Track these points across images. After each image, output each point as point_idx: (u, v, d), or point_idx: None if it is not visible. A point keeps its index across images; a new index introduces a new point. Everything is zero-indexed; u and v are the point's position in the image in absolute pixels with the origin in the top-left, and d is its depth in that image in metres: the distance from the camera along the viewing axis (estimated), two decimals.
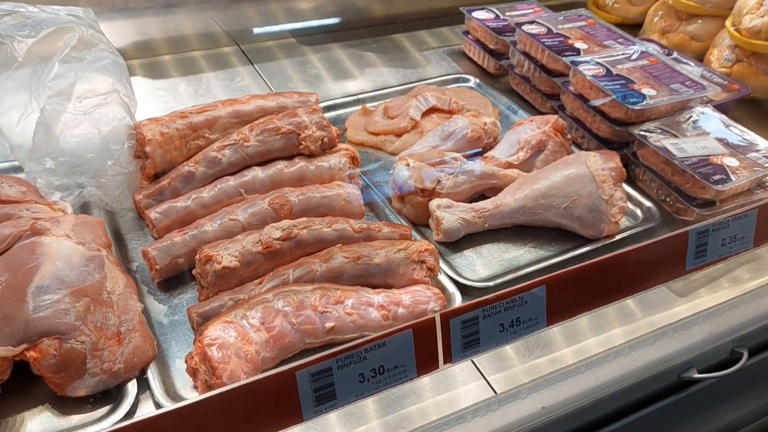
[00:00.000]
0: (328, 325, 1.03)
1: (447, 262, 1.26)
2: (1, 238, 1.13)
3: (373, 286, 1.14)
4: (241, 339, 0.98)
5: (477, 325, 0.71)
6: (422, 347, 0.69)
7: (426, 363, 0.69)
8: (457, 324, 0.70)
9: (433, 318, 0.68)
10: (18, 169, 1.37)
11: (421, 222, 1.36)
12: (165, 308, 1.16)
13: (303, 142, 1.37)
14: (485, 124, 1.51)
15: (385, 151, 1.59)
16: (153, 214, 1.26)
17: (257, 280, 1.13)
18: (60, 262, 1.08)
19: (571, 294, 0.82)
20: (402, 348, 0.68)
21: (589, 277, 0.83)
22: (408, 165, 1.37)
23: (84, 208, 1.32)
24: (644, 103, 1.48)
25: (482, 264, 1.28)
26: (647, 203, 1.43)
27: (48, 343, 0.97)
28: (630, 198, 1.44)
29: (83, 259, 1.10)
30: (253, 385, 0.61)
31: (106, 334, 1.02)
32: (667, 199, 1.45)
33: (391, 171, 1.40)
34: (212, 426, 0.63)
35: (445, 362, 0.70)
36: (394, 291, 1.13)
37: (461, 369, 1.04)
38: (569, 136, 1.54)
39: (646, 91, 1.52)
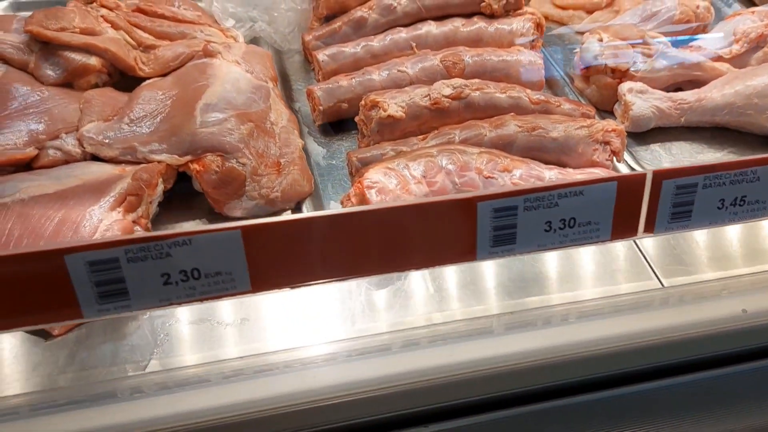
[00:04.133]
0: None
1: (630, 153, 1.12)
2: (174, 55, 1.12)
3: (545, 163, 1.03)
4: (401, 187, 0.92)
5: (694, 194, 0.59)
6: (623, 206, 0.58)
7: (623, 226, 0.59)
8: (670, 187, 0.58)
9: (644, 175, 0.57)
10: None
11: (604, 107, 1.21)
12: (324, 151, 1.12)
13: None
14: (697, 7, 1.30)
15: (571, 27, 1.43)
16: (321, 56, 1.21)
17: (421, 136, 1.05)
18: (228, 85, 1.06)
19: None
20: (600, 202, 0.58)
21: None
22: (601, 40, 1.21)
23: (253, 44, 1.30)
24: None
25: (670, 161, 1.12)
26: None
27: (211, 159, 0.96)
28: None
29: (250, 87, 1.08)
30: (428, 206, 0.54)
31: (267, 161, 1.00)
32: None
33: (580, 45, 1.25)
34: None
35: (645, 230, 0.59)
36: (568, 170, 1.01)
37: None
38: None
39: None
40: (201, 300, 0.53)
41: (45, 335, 0.83)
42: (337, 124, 1.17)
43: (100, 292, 0.51)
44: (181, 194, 0.99)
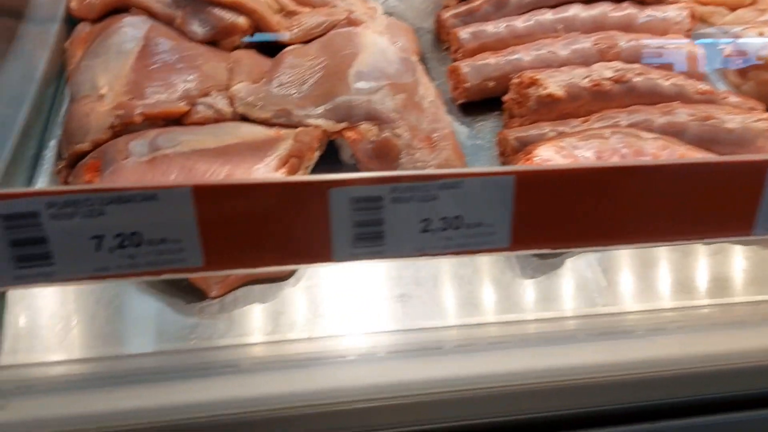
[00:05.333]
0: None
1: None
2: (317, 23, 1.08)
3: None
4: None
5: None
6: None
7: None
8: None
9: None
10: None
11: (763, 103, 1.13)
12: (467, 130, 1.06)
13: None
14: None
15: (712, 24, 1.35)
16: (462, 33, 1.15)
17: (581, 118, 0.99)
18: (378, 54, 1.01)
19: None
20: None
21: None
22: (762, 34, 1.13)
23: None
24: None
25: None
26: None
27: (367, 127, 0.90)
28: None
29: (398, 58, 1.03)
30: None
31: (419, 135, 0.94)
32: None
33: (734, 39, 1.17)
34: None
35: None
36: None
37: None
38: None
39: None
40: (457, 253, 0.47)
41: (195, 297, 0.78)
42: (478, 103, 1.11)
43: (357, 233, 0.45)
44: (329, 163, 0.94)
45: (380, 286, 0.81)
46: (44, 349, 0.72)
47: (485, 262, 0.85)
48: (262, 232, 0.45)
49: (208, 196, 0.43)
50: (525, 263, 0.85)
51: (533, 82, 0.99)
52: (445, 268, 0.84)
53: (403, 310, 0.79)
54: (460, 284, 0.82)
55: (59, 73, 1.02)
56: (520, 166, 0.43)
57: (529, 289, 0.83)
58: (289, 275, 0.81)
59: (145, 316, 0.76)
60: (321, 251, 0.46)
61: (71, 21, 1.07)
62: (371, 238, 0.46)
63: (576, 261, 0.86)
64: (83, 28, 1.04)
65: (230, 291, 0.78)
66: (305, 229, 0.45)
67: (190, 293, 0.78)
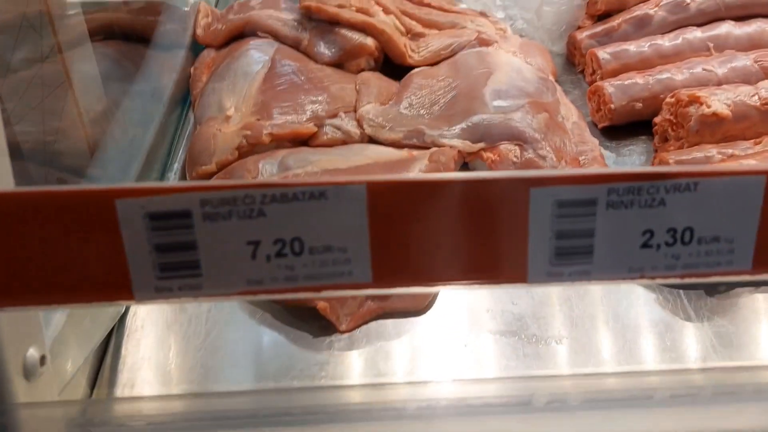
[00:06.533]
0: None
1: None
2: (445, 44, 1.02)
3: None
4: None
5: None
6: None
7: None
8: None
9: None
10: None
11: None
12: (614, 156, 0.96)
13: None
14: None
15: None
16: (602, 54, 1.06)
17: (753, 140, 0.86)
18: (514, 73, 0.93)
19: None
20: None
21: None
22: None
23: None
24: None
25: None
26: None
27: (508, 148, 0.82)
28: None
29: (536, 77, 0.94)
30: None
31: (565, 157, 0.85)
32: None
33: None
34: None
35: None
36: None
37: None
38: None
39: None
40: (683, 276, 0.37)
41: (323, 331, 0.71)
42: (618, 127, 1.01)
43: (558, 247, 0.36)
44: None
45: (528, 325, 0.71)
46: (164, 383, 0.66)
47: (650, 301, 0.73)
48: (440, 240, 0.37)
49: (384, 195, 0.35)
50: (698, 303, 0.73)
51: (694, 100, 0.88)
52: (600, 309, 0.73)
53: (554, 354, 0.68)
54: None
55: (184, 98, 1.01)
56: None
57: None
58: (425, 308, 0.72)
59: (270, 349, 0.69)
60: (512, 269, 0.37)
61: (197, 48, 1.06)
62: (577, 254, 0.37)
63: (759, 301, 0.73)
64: (208, 54, 1.03)
65: (361, 325, 0.71)
66: (493, 240, 0.37)
67: (317, 327, 0.71)
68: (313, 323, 0.71)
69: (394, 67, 1.00)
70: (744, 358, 0.68)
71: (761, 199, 0.36)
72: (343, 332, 0.70)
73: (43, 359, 0.44)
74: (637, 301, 0.73)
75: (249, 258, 0.36)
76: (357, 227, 0.36)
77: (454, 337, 0.70)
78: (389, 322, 0.72)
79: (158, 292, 0.36)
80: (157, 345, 0.69)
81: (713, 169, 0.36)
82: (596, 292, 0.74)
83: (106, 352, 0.68)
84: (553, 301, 0.74)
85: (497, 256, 0.37)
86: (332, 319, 0.69)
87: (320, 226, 0.36)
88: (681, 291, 0.74)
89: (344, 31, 0.95)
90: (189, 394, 0.66)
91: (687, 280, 0.38)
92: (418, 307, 0.72)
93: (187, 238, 0.35)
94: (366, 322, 0.71)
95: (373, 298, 0.71)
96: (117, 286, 0.35)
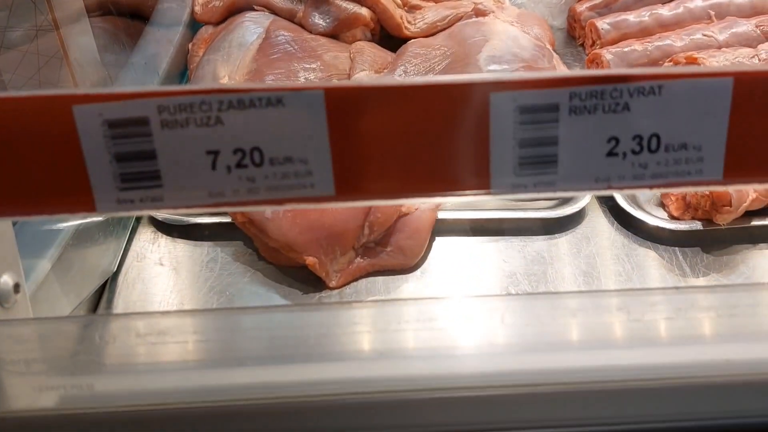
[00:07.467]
0: None
1: None
2: (441, 16, 1.01)
3: None
4: None
5: None
6: None
7: None
8: None
9: None
10: None
11: None
12: None
13: None
14: None
15: None
16: (601, 24, 1.05)
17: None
18: (509, 41, 0.93)
19: None
20: None
21: None
22: None
23: None
24: None
25: None
26: None
27: None
28: None
29: (532, 45, 0.94)
30: None
31: None
32: None
33: None
34: None
35: None
36: None
37: None
38: None
39: None
40: (651, 186, 0.37)
41: (312, 287, 0.70)
42: None
43: (522, 155, 0.36)
44: None
45: (518, 281, 0.71)
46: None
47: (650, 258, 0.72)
48: (402, 150, 0.36)
49: (343, 102, 0.35)
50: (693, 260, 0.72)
51: (692, 62, 0.87)
52: (594, 265, 0.72)
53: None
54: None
55: (182, 74, 1.01)
56: (741, 65, 0.32)
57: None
58: (414, 267, 0.72)
59: (258, 305, 0.69)
60: (476, 178, 0.37)
61: (195, 26, 1.07)
62: (541, 163, 0.36)
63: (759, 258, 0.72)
64: (206, 31, 1.03)
65: (351, 282, 0.71)
66: (454, 148, 0.36)
67: (307, 283, 0.71)
68: (304, 282, 0.71)
69: (391, 42, 1.00)
70: None
71: (729, 103, 0.35)
72: (332, 289, 0.70)
73: (17, 287, 0.44)
74: (632, 257, 0.72)
75: (209, 168, 0.36)
76: (317, 136, 0.36)
77: (443, 295, 0.70)
78: (379, 279, 0.71)
79: (120, 203, 0.36)
80: (146, 302, 0.70)
81: (678, 71, 0.35)
82: (590, 248, 0.73)
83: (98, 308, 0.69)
84: (545, 259, 0.73)
85: (460, 165, 0.37)
86: (321, 275, 0.69)
87: (279, 135, 0.36)
88: (677, 248, 0.73)
89: (339, 2, 0.95)
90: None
91: (656, 191, 0.37)
92: (409, 265, 0.72)
93: (146, 147, 0.35)
94: (356, 279, 0.71)
95: (364, 254, 0.70)
96: (78, 196, 0.35)
